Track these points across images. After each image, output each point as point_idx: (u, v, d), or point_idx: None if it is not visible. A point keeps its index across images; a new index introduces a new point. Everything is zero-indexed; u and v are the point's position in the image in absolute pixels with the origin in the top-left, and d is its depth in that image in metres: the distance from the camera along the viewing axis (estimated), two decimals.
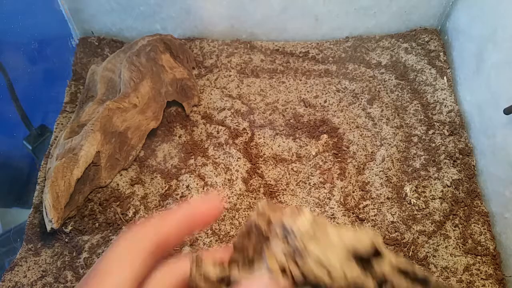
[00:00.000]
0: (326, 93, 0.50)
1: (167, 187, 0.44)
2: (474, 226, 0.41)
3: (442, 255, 0.39)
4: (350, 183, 0.43)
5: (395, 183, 0.43)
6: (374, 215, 0.41)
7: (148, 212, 0.42)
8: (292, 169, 0.45)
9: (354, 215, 0.41)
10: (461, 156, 0.45)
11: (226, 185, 0.43)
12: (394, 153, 0.45)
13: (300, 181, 0.44)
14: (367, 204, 0.42)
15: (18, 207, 0.52)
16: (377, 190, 0.43)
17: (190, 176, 0.44)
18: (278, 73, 0.53)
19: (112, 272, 0.18)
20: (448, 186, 0.43)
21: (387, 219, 0.41)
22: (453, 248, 0.40)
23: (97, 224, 0.42)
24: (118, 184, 0.44)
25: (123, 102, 0.44)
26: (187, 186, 0.43)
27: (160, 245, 0.19)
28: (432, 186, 0.43)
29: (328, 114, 0.48)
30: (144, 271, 0.18)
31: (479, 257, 0.39)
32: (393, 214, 0.41)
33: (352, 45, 0.55)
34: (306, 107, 0.49)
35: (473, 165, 0.44)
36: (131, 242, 0.19)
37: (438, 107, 0.48)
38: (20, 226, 0.45)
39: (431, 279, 0.17)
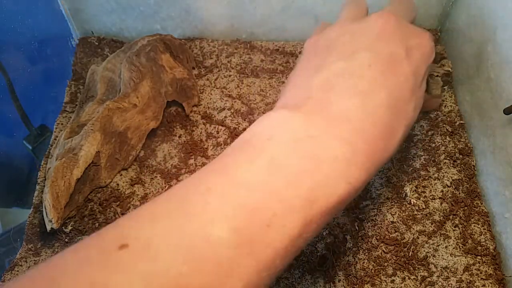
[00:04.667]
0: None
1: (167, 187, 0.44)
2: (474, 226, 0.41)
3: (442, 255, 0.39)
4: None
5: (395, 183, 0.43)
6: (374, 215, 0.41)
7: None
8: None
9: (354, 215, 0.41)
10: (461, 156, 0.45)
11: None
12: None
13: None
14: (367, 204, 0.42)
15: (18, 207, 0.53)
16: (377, 190, 0.43)
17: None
18: (278, 73, 0.53)
19: None
20: (448, 186, 0.43)
21: (387, 219, 0.41)
22: (453, 248, 0.40)
23: (97, 224, 0.42)
24: (118, 184, 0.44)
25: (123, 102, 0.44)
26: None
27: None
28: (432, 186, 0.43)
29: None
30: None
31: (479, 257, 0.39)
32: (393, 214, 0.42)
33: None
34: None
35: (473, 165, 0.44)
36: None
37: None
38: (20, 226, 0.45)
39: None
